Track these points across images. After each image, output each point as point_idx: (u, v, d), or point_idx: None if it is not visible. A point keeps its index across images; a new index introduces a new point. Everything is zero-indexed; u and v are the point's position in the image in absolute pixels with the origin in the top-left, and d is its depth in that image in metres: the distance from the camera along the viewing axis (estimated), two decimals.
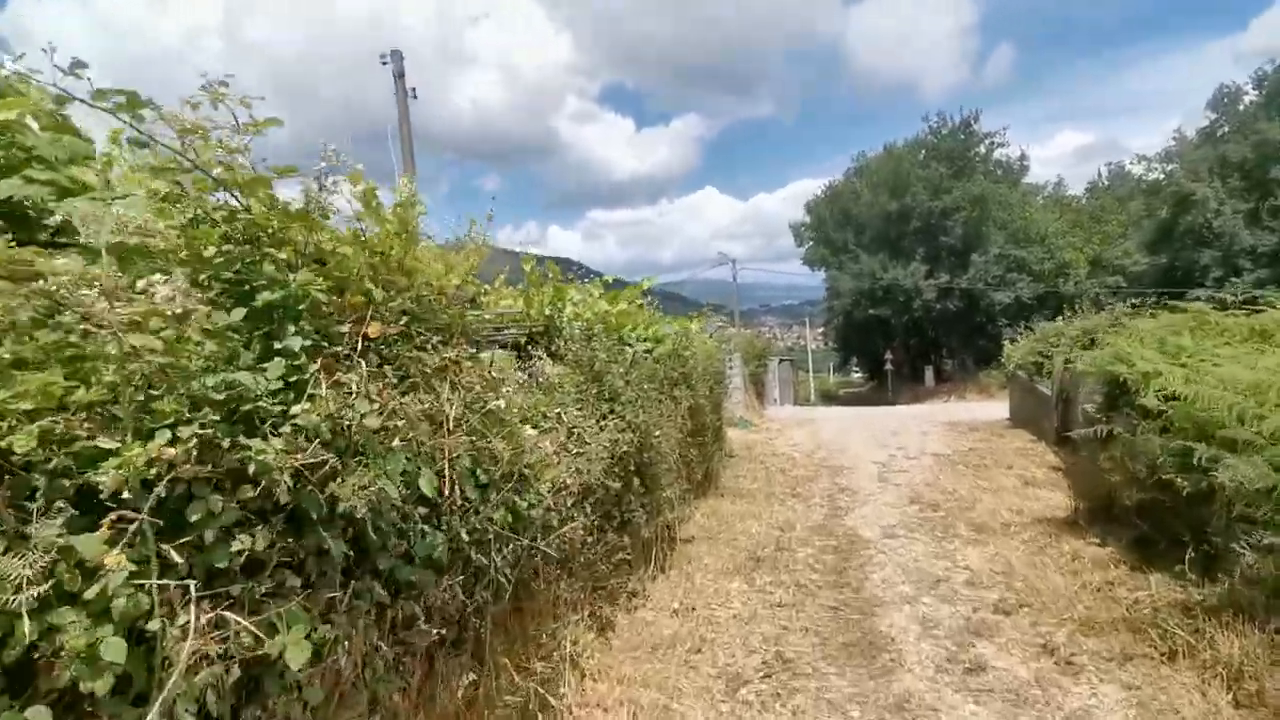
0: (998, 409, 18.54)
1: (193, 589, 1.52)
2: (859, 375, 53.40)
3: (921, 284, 32.41)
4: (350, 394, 1.92)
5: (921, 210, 33.01)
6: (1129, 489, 5.21)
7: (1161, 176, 31.67)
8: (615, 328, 5.41)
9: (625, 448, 4.04)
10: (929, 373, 37.25)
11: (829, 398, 45.59)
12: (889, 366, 36.37)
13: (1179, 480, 4.21)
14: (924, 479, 10.09)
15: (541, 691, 2.94)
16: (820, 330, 56.52)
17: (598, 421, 4.03)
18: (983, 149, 35.48)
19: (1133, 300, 15.64)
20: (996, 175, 35.59)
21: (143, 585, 1.48)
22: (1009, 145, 36.20)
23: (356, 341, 2.11)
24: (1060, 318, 16.52)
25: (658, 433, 4.63)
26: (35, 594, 1.31)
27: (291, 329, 1.99)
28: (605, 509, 3.74)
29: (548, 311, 4.86)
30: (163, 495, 1.50)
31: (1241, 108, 29.12)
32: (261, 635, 1.60)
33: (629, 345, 5.23)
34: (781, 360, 34.63)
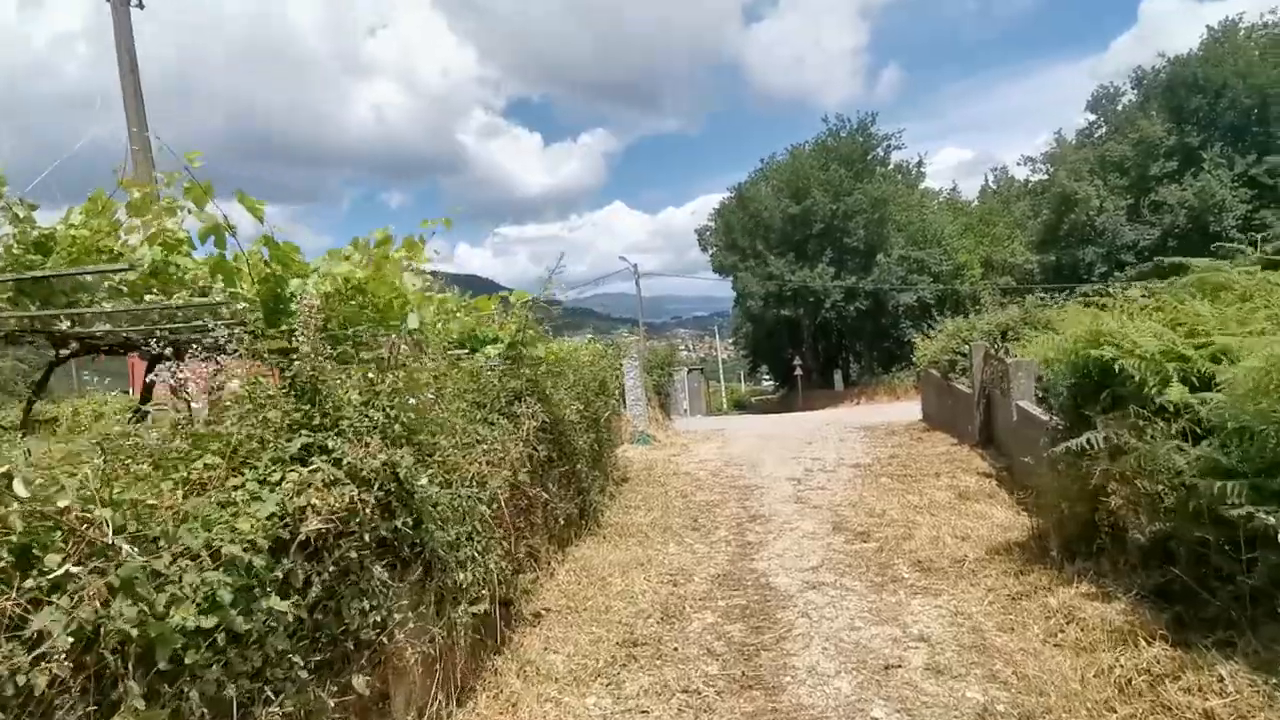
0: (909, 409, 17.63)
1: None
2: (770, 383, 53.07)
3: (829, 285, 31.87)
4: None
5: (823, 213, 32.58)
6: (1137, 518, 3.68)
7: (1045, 177, 32.53)
8: (387, 309, 3.43)
9: (320, 524, 2.08)
10: (838, 377, 36.96)
11: (740, 406, 44.94)
12: (799, 372, 35.77)
13: (1260, 515, 2.65)
14: (846, 497, 8.56)
15: None
16: (731, 341, 56.20)
17: (262, 477, 2.06)
18: (881, 151, 35.61)
19: (1039, 295, 14.99)
20: (896, 178, 35.82)
21: None
22: (905, 147, 36.53)
23: None
24: (966, 315, 15.76)
25: (424, 480, 2.68)
26: None
27: None
28: (248, 664, 1.78)
29: (248, 285, 2.82)
30: None
31: (1120, 108, 30.24)
32: None
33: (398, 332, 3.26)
34: (690, 370, 33.32)
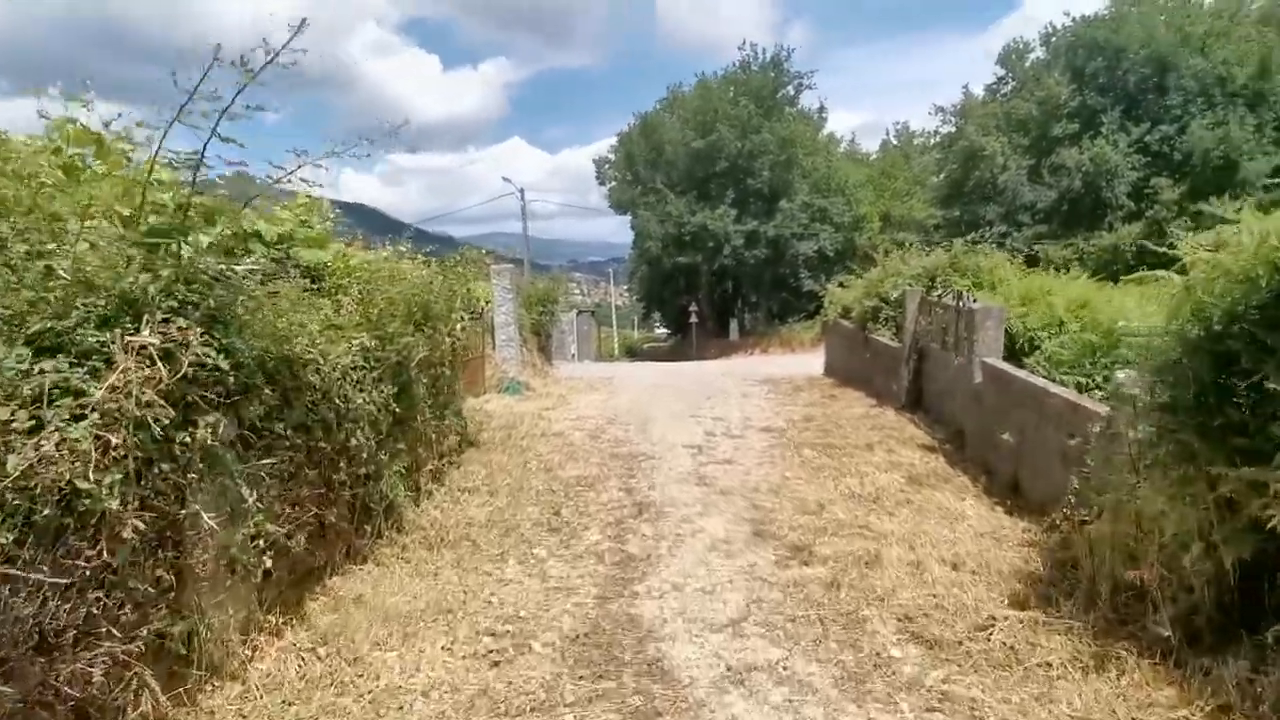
0: (809, 362, 15.93)
1: None
2: (663, 330, 51.31)
3: (729, 229, 29.89)
4: None
5: (729, 150, 30.35)
6: None
7: (954, 129, 31.80)
8: None
9: None
10: (734, 325, 35.54)
11: (632, 353, 43.03)
12: (694, 319, 34.00)
13: None
14: (764, 476, 6.39)
15: None
16: (625, 287, 53.92)
17: None
18: (791, 90, 33.59)
19: (971, 239, 13.35)
20: (803, 121, 34.05)
21: None
22: (816, 88, 34.71)
23: None
24: (890, 256, 14.01)
25: None
26: None
27: None
28: None
29: None
30: None
31: (1028, 64, 29.60)
32: None
33: None
34: (581, 313, 30.67)
